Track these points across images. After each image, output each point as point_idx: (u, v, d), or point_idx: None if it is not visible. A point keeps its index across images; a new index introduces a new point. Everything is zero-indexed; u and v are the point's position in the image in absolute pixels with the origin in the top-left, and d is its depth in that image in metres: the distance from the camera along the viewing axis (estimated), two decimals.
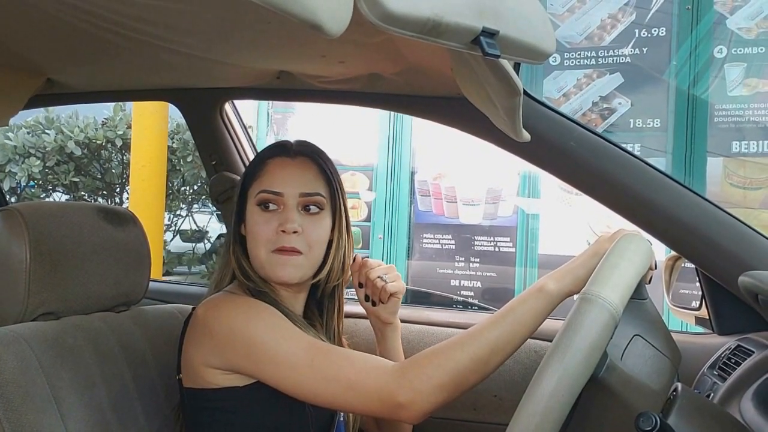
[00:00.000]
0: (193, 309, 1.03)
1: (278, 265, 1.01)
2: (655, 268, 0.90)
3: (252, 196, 1.04)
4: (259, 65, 1.21)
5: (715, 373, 1.15)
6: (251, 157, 1.65)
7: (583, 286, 0.79)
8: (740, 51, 2.96)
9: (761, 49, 2.94)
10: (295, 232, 1.01)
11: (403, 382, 0.86)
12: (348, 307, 1.29)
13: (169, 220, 4.88)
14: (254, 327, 0.94)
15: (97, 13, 0.83)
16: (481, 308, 3.36)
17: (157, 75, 1.33)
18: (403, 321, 1.29)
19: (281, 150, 1.07)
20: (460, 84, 0.94)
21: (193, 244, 5.16)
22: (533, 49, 0.66)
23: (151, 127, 3.65)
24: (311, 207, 1.04)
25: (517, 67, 0.89)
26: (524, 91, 0.87)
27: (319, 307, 1.15)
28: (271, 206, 1.02)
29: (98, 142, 4.37)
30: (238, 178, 1.60)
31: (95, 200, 4.72)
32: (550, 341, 0.75)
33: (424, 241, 3.57)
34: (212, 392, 0.97)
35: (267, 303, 0.99)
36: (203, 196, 4.90)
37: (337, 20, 0.43)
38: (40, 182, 4.58)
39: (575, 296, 0.83)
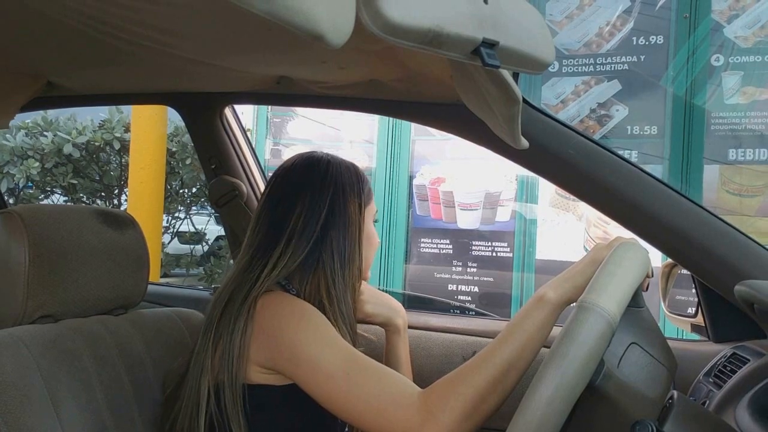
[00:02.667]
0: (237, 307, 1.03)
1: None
2: (652, 276, 0.91)
3: (371, 215, 1.18)
4: (260, 71, 1.21)
5: (710, 380, 1.16)
6: (251, 161, 1.65)
7: (581, 294, 0.80)
8: (737, 59, 2.98)
9: (758, 58, 2.95)
10: None
11: (428, 415, 0.87)
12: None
13: (167, 223, 4.88)
14: (301, 330, 0.96)
15: (99, 17, 0.83)
16: (478, 313, 3.37)
17: (157, 79, 1.33)
18: None
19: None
20: (459, 91, 0.94)
21: (192, 247, 5.16)
22: (532, 59, 0.67)
23: (150, 129, 3.66)
24: None
25: (516, 75, 0.90)
26: (523, 99, 0.87)
27: None
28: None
29: (96, 144, 4.37)
30: (238, 181, 1.61)
31: (93, 202, 4.71)
32: (548, 348, 0.75)
33: (422, 245, 3.58)
34: (248, 387, 0.99)
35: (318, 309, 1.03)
36: (202, 199, 4.91)
37: (338, 31, 0.43)
38: (39, 184, 4.58)
39: (573, 304, 0.84)
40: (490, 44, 0.59)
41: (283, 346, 0.96)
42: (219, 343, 1.01)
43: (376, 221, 1.22)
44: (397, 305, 1.28)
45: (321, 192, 1.10)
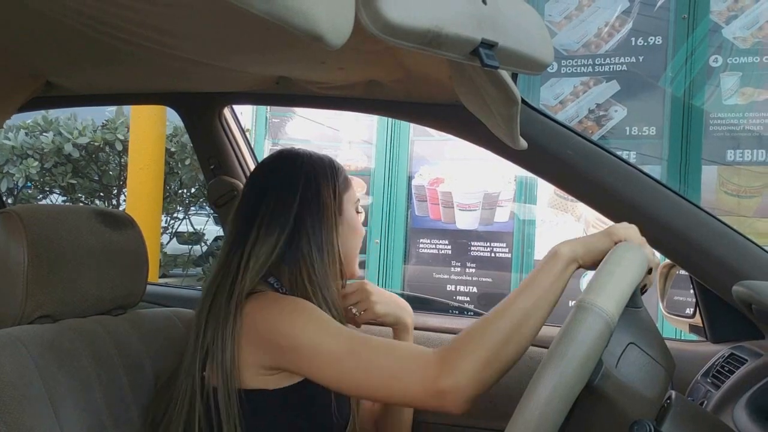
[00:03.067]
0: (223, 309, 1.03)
1: (357, 261, 1.18)
2: (652, 284, 0.91)
3: (351, 201, 1.17)
4: (259, 71, 1.21)
5: (708, 380, 1.16)
6: (250, 161, 1.65)
7: (591, 258, 0.86)
8: (736, 60, 2.98)
9: (756, 59, 2.96)
10: None
11: (444, 368, 0.86)
12: None
13: (166, 223, 4.89)
14: (296, 323, 0.96)
15: (98, 17, 0.83)
16: (476, 314, 3.37)
17: (156, 79, 1.33)
18: None
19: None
20: (458, 92, 0.94)
21: (190, 247, 5.16)
22: (531, 60, 0.67)
23: (149, 130, 3.66)
24: None
25: (515, 76, 0.90)
26: (522, 99, 0.88)
27: None
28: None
29: (96, 144, 4.37)
30: (237, 182, 1.61)
31: (92, 202, 4.71)
32: (546, 348, 0.75)
33: (421, 246, 3.58)
34: (243, 392, 0.98)
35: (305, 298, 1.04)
36: (200, 199, 4.91)
37: (338, 32, 0.43)
38: (37, 184, 4.58)
39: (571, 302, 0.84)
40: (489, 45, 0.59)
41: (282, 344, 0.96)
42: (209, 348, 1.00)
43: (359, 212, 1.20)
44: (404, 303, 1.28)
45: (291, 180, 1.11)
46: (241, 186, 1.61)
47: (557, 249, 0.92)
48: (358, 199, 1.21)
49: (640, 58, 3.14)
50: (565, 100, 3.27)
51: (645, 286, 0.90)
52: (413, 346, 0.94)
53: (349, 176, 1.20)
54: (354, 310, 1.19)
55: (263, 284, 1.08)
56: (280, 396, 0.99)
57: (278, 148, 1.39)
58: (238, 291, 1.02)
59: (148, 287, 1.23)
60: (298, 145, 1.32)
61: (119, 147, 4.36)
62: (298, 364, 0.96)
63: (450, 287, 3.50)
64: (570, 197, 1.30)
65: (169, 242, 5.03)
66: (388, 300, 1.25)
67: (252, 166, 1.66)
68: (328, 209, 1.11)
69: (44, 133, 4.34)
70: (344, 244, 1.13)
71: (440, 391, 0.86)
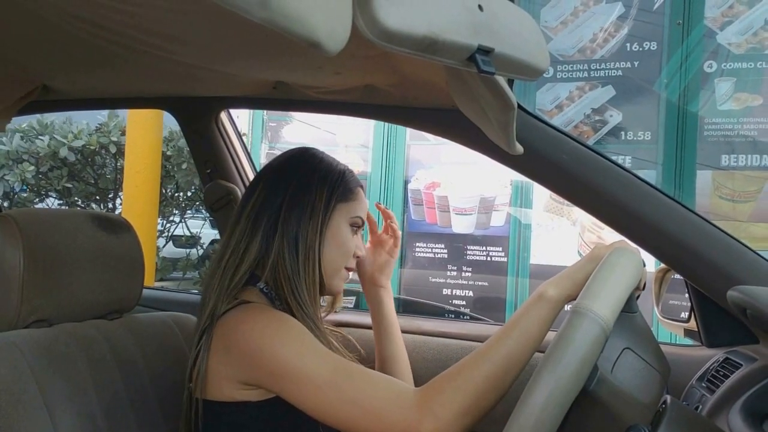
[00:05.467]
0: (207, 319, 1.01)
1: (342, 280, 1.12)
2: (644, 288, 0.91)
3: (346, 215, 1.11)
4: (256, 75, 1.21)
5: (703, 385, 1.16)
6: (247, 166, 1.66)
7: (581, 290, 0.80)
8: (730, 66, 3.00)
9: (750, 65, 2.97)
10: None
11: (425, 411, 0.85)
12: (345, 317, 1.32)
13: (162, 226, 4.88)
14: (281, 344, 0.93)
15: (95, 22, 0.83)
16: (473, 318, 3.37)
17: (153, 83, 1.33)
18: None
19: (359, 181, 1.17)
20: (454, 97, 0.95)
21: (187, 250, 5.15)
22: (527, 66, 0.68)
23: (145, 133, 3.66)
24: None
25: (511, 82, 0.90)
26: (518, 104, 0.88)
27: None
28: (357, 231, 1.14)
29: (92, 147, 4.36)
30: (233, 186, 1.61)
31: (88, 206, 4.70)
32: (542, 352, 0.76)
33: (417, 249, 3.58)
34: (225, 405, 0.97)
35: (291, 314, 1.01)
36: (197, 203, 4.90)
37: (335, 39, 0.44)
38: (33, 187, 4.57)
39: (567, 306, 0.84)
40: (486, 51, 0.60)
41: (263, 362, 0.93)
42: (197, 356, 1.00)
43: (358, 227, 1.13)
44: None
45: (282, 178, 1.09)
46: (238, 190, 1.61)
47: (544, 291, 0.91)
48: (359, 219, 1.13)
49: (635, 64, 3.16)
50: (561, 104, 3.28)
51: (639, 294, 0.90)
52: (396, 382, 0.92)
53: (360, 194, 1.14)
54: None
55: (253, 291, 1.06)
56: (264, 408, 0.97)
57: (275, 152, 1.38)
58: (221, 300, 1.01)
59: (145, 291, 1.23)
60: None
61: (113, 150, 4.35)
62: (277, 386, 0.93)
63: (446, 291, 3.50)
64: (566, 201, 1.31)
65: (165, 246, 5.02)
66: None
67: (248, 170, 1.66)
68: (314, 210, 1.07)
69: (39, 137, 4.33)
70: (325, 255, 1.08)
71: None
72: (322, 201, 1.08)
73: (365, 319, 1.44)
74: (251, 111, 3.83)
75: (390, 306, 1.30)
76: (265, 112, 3.85)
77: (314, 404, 0.91)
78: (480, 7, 0.60)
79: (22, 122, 4.44)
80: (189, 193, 4.90)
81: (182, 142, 4.40)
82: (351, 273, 1.15)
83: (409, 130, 3.55)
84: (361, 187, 1.17)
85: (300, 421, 0.95)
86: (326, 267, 1.08)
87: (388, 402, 0.88)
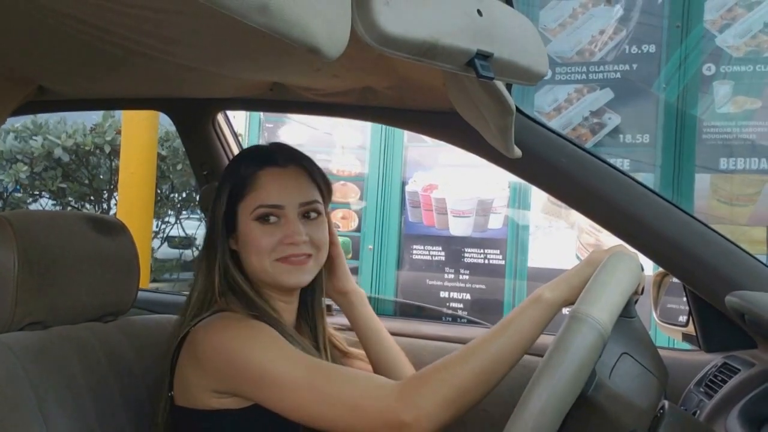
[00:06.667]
0: (187, 329, 1.01)
1: (285, 272, 1.02)
2: (642, 293, 0.91)
3: (247, 212, 1.02)
4: (253, 77, 1.21)
5: (701, 390, 1.16)
6: None
7: (578, 294, 0.80)
8: (729, 69, 3.00)
9: (749, 68, 2.98)
10: (304, 242, 1.02)
11: (407, 400, 0.84)
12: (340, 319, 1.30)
13: (157, 227, 4.87)
14: (252, 351, 0.92)
15: (91, 23, 0.83)
16: (470, 321, 3.37)
17: (149, 85, 1.32)
18: (392, 334, 1.29)
19: (268, 159, 1.05)
20: (452, 100, 0.94)
21: (181, 251, 5.14)
22: (526, 71, 0.67)
23: (140, 134, 3.65)
24: (311, 214, 1.06)
25: (509, 86, 0.90)
26: (516, 108, 0.88)
27: (304, 313, 1.16)
28: (272, 219, 1.03)
29: (86, 148, 4.35)
30: None
31: (82, 206, 4.69)
32: (540, 356, 0.75)
33: (414, 252, 3.57)
34: (206, 413, 0.96)
35: (265, 322, 0.98)
36: (192, 204, 4.89)
37: (334, 44, 0.43)
38: (27, 187, 4.55)
39: (565, 310, 0.84)
40: (485, 56, 0.59)
41: (236, 370, 0.92)
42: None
43: (266, 217, 1.02)
44: None
45: (216, 197, 1.07)
46: None
47: (540, 294, 0.90)
48: (262, 209, 1.01)
49: (634, 66, 3.16)
50: (560, 107, 3.28)
51: (636, 296, 0.90)
52: (374, 376, 0.92)
53: (259, 178, 1.02)
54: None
55: (233, 298, 1.04)
56: (244, 415, 0.95)
57: None
58: (192, 317, 1.00)
59: (139, 293, 1.22)
60: None
61: (107, 149, 4.34)
62: (254, 393, 0.92)
63: (443, 294, 3.49)
64: (564, 204, 1.30)
65: (160, 247, 5.01)
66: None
67: None
68: (216, 229, 1.04)
69: (34, 137, 4.32)
70: (246, 264, 1.04)
71: (401, 424, 0.84)
72: (220, 211, 1.05)
73: None
74: (248, 112, 3.82)
75: (362, 309, 1.20)
76: (262, 113, 3.85)
77: (293, 407, 0.90)
78: (479, 12, 0.59)
79: (16, 122, 4.42)
80: (184, 194, 4.89)
81: (177, 142, 4.39)
82: (312, 258, 1.05)
83: (406, 132, 3.55)
84: (273, 159, 1.04)
85: (280, 426, 0.94)
86: (254, 274, 1.03)
87: (366, 395, 0.87)
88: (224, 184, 1.06)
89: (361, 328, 1.20)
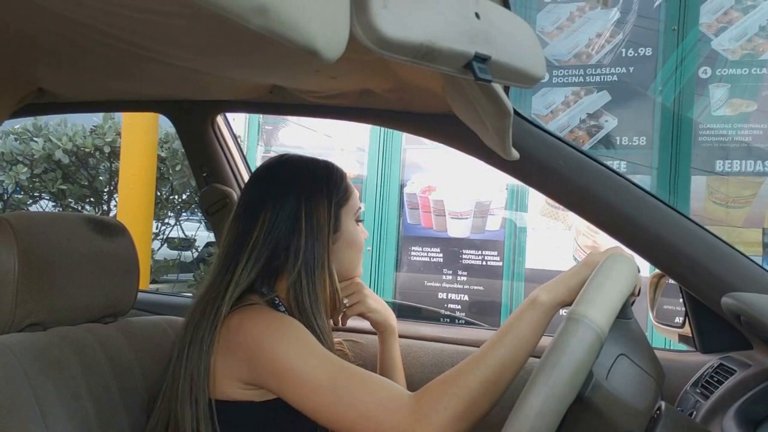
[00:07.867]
0: (211, 322, 1.01)
1: (361, 264, 1.18)
2: (638, 294, 0.91)
3: (350, 214, 1.14)
4: (252, 79, 1.21)
5: (697, 391, 1.17)
6: (242, 169, 1.65)
7: (575, 295, 0.81)
8: (725, 72, 3.02)
9: (745, 71, 2.99)
10: None
11: (420, 416, 0.85)
12: (354, 322, 1.32)
13: (157, 229, 4.87)
14: (284, 345, 0.94)
15: (91, 26, 0.83)
16: (468, 322, 3.37)
17: (149, 87, 1.33)
18: None
19: (343, 171, 1.18)
20: (450, 103, 0.95)
21: (179, 252, 5.14)
22: (524, 73, 0.68)
23: (140, 136, 3.65)
24: None
25: (507, 88, 0.90)
26: (514, 110, 0.88)
27: None
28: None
29: (86, 149, 4.35)
30: (229, 190, 1.61)
31: (82, 207, 4.69)
32: (537, 358, 0.76)
33: (413, 253, 3.58)
34: (227, 404, 0.97)
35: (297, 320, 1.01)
36: (192, 205, 4.89)
37: (333, 47, 0.44)
38: (27, 189, 4.55)
39: (563, 311, 0.84)
40: (482, 59, 0.60)
41: (264, 362, 0.94)
42: (191, 359, 0.99)
43: (360, 220, 1.17)
44: (390, 310, 1.28)
45: (285, 199, 1.08)
46: (234, 194, 1.61)
47: (537, 296, 0.91)
48: (360, 207, 1.17)
49: (631, 69, 3.17)
50: (557, 109, 3.29)
51: (633, 297, 0.90)
52: (392, 385, 0.92)
53: (351, 185, 1.16)
54: (345, 301, 1.18)
55: (258, 298, 1.05)
56: (264, 408, 0.97)
57: (271, 155, 1.38)
58: (223, 310, 1.00)
59: (139, 295, 1.22)
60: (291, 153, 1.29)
61: (107, 151, 4.34)
62: (277, 386, 0.94)
63: (441, 295, 3.50)
64: (561, 206, 1.31)
65: (160, 248, 5.01)
66: (379, 299, 1.25)
67: (244, 174, 1.66)
68: (322, 230, 1.08)
69: (34, 139, 4.32)
70: (340, 261, 1.11)
71: None
72: (326, 217, 1.09)
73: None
74: (247, 114, 3.82)
75: (396, 350, 1.29)
76: (261, 115, 3.85)
77: (311, 405, 0.92)
78: (477, 14, 0.60)
79: (16, 124, 4.43)
80: (184, 196, 4.89)
81: (177, 144, 4.40)
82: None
83: (405, 135, 3.55)
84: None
85: (300, 422, 0.95)
86: (342, 271, 1.13)
87: (383, 406, 0.88)
88: (318, 195, 1.10)
89: (382, 363, 1.30)
